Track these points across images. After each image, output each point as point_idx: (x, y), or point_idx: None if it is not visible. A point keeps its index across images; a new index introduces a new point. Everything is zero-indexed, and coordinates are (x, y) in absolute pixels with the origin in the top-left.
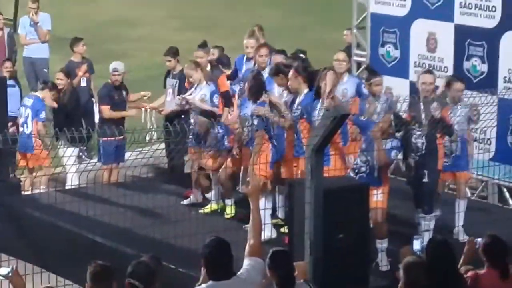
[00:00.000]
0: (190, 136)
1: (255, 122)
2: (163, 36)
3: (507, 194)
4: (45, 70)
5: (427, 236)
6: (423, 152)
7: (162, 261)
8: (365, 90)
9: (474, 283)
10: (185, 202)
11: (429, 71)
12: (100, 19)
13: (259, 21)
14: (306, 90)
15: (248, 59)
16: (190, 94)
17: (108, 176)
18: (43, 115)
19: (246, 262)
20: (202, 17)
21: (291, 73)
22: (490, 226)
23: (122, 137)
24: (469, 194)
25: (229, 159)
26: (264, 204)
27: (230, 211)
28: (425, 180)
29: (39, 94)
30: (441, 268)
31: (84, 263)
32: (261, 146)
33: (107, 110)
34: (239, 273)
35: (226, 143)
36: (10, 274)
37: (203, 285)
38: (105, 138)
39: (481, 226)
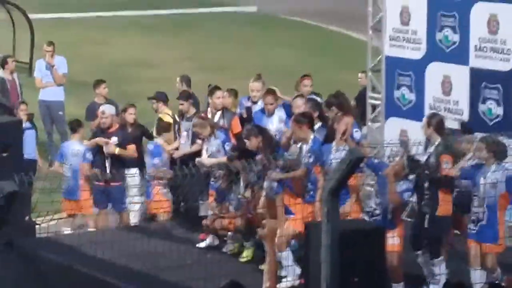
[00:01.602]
0: (213, 180)
1: (275, 185)
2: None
3: None
4: (60, 112)
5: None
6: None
7: None
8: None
9: None
10: (201, 245)
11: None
12: (113, 60)
13: (274, 63)
14: (312, 136)
15: (253, 102)
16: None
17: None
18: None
19: None
20: (216, 59)
21: (293, 125)
22: None
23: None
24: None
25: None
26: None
27: (247, 254)
28: (425, 225)
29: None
30: None
31: None
32: (281, 208)
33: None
34: None
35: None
36: None
37: None
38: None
39: None
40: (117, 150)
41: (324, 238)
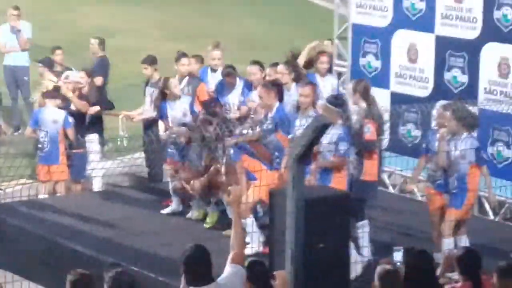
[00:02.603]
0: (171, 147)
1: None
2: (143, 46)
3: (487, 206)
4: (25, 78)
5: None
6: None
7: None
8: None
9: None
10: (165, 211)
11: None
12: (81, 28)
13: (245, 32)
14: (277, 104)
15: (213, 70)
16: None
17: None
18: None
19: (227, 269)
20: (187, 28)
21: (260, 89)
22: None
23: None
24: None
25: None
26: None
27: (211, 219)
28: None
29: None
30: (419, 278)
31: (63, 272)
32: (242, 175)
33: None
34: (219, 279)
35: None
36: None
37: None
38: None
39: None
40: (70, 94)
41: (289, 205)
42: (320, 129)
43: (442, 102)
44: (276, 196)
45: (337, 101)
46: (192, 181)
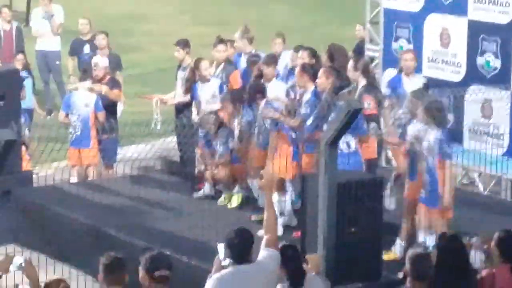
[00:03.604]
0: (201, 133)
1: (267, 124)
2: (174, 31)
3: None
4: (57, 62)
5: None
6: None
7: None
8: None
9: (490, 281)
10: (197, 195)
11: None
12: (110, 13)
13: (270, 17)
14: (312, 88)
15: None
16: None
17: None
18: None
19: (263, 253)
20: (212, 13)
21: (297, 70)
22: (503, 221)
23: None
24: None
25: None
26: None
27: (236, 201)
28: None
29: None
30: (451, 262)
31: (96, 255)
32: (277, 147)
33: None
34: (256, 260)
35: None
36: (23, 265)
37: (223, 271)
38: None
39: (494, 222)
40: (104, 89)
41: (322, 189)
42: (352, 113)
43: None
44: (308, 180)
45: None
46: (216, 169)
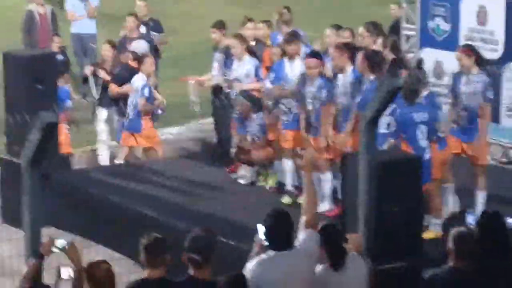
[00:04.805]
0: (235, 115)
1: (323, 94)
2: (208, 12)
3: None
4: (93, 45)
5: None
6: None
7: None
8: None
9: None
10: (234, 176)
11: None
12: None
13: None
14: (351, 67)
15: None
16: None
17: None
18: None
19: (302, 235)
20: None
21: (334, 51)
22: None
23: None
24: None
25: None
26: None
27: (271, 181)
28: None
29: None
30: (494, 239)
31: (134, 237)
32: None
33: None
34: (296, 244)
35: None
36: (66, 247)
37: (263, 255)
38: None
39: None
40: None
41: (362, 168)
42: (393, 92)
43: None
44: (349, 159)
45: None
46: (252, 153)
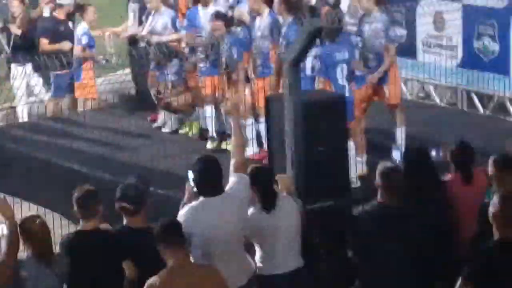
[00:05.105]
0: (152, 64)
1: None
2: None
3: (476, 100)
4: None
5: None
6: None
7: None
8: None
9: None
10: (155, 125)
11: None
12: None
13: None
14: (267, 10)
15: None
16: (151, 23)
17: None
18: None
19: (232, 179)
20: None
21: None
22: (460, 132)
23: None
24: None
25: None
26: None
27: (194, 129)
28: None
29: None
30: (419, 173)
31: (61, 191)
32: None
33: (44, 44)
34: (226, 189)
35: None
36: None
37: (194, 202)
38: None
39: (450, 132)
40: None
41: (288, 110)
42: (313, 33)
43: None
44: (273, 101)
45: None
46: (172, 100)
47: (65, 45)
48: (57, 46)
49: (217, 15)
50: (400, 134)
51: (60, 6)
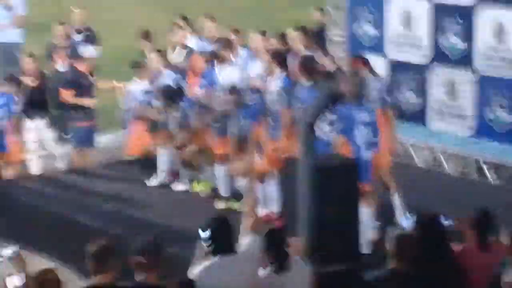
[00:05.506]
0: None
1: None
2: (135, 20)
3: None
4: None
5: None
6: None
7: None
8: None
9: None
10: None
11: None
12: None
13: (231, 3)
14: (278, 71)
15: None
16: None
17: (78, 160)
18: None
19: (245, 240)
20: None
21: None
22: (471, 201)
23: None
24: None
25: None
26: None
27: (204, 187)
28: None
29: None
30: (432, 241)
31: (69, 245)
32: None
33: (68, 96)
34: (239, 249)
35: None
36: (15, 255)
37: (208, 261)
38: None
39: (462, 202)
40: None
41: (302, 174)
42: (331, 98)
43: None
44: (287, 164)
45: None
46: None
47: (91, 101)
48: (84, 101)
49: (232, 90)
50: (399, 201)
51: (80, 58)
